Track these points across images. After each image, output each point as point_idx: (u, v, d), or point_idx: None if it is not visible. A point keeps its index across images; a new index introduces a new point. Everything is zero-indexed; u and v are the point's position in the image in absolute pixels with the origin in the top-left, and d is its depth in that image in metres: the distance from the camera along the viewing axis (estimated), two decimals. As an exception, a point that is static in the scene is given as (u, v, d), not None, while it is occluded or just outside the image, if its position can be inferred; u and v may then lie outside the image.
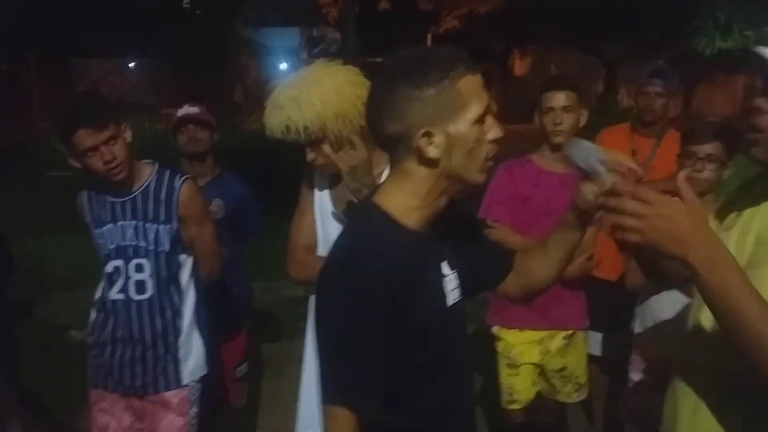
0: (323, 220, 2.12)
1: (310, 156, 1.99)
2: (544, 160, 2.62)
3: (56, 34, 17.16)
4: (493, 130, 1.23)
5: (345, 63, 2.07)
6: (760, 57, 1.16)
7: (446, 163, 1.20)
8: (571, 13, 17.31)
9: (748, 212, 1.28)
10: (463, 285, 1.38)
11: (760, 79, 1.19)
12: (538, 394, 2.72)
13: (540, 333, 2.63)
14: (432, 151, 1.18)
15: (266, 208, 3.20)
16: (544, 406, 2.78)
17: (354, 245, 1.25)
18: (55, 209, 5.43)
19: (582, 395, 2.76)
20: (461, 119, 1.18)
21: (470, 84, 1.19)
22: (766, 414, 1.16)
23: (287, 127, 1.90)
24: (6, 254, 2.86)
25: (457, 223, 1.42)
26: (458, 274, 1.37)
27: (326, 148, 1.95)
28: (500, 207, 2.62)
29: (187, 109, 2.97)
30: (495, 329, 2.75)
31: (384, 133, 1.21)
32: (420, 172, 1.22)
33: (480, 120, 1.20)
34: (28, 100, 21.26)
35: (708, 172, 2.25)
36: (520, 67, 23.20)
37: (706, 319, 1.23)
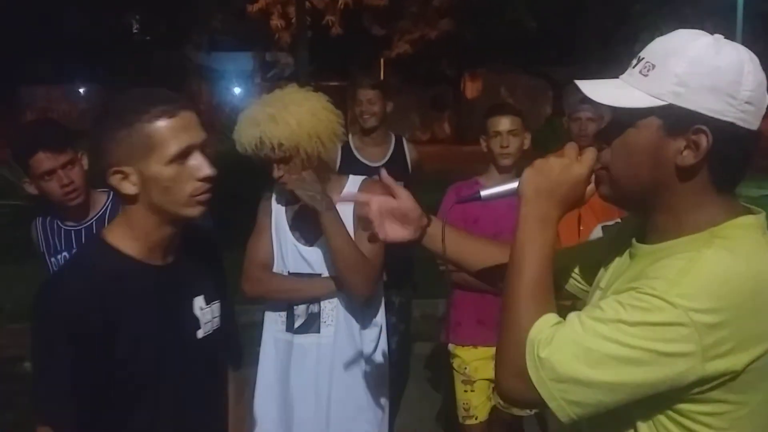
0: (279, 239, 2.18)
1: (278, 173, 2.05)
2: (491, 182, 2.71)
3: (3, 61, 16.80)
4: (202, 169, 1.29)
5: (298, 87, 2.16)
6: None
7: (146, 199, 1.28)
8: (517, 37, 17.78)
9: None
10: (224, 319, 1.48)
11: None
12: (494, 408, 2.78)
13: (493, 349, 2.69)
14: (127, 188, 1.27)
15: (219, 233, 3.21)
16: (500, 420, 2.84)
17: (63, 273, 1.34)
18: (2, 240, 5.31)
19: (536, 408, 2.83)
20: (154, 159, 1.25)
21: (164, 127, 1.25)
22: None
23: (261, 142, 1.97)
24: None
25: (213, 259, 1.53)
26: (220, 307, 1.47)
27: (295, 166, 2.02)
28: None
29: None
30: (450, 347, 2.81)
31: (94, 169, 1.29)
32: (128, 205, 1.31)
33: (177, 159, 1.26)
34: (-28, 127, 20.64)
35: None
36: (471, 90, 23.65)
37: None
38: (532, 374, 0.99)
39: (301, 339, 2.15)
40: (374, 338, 2.22)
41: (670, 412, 1.00)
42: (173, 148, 1.25)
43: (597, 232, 2.52)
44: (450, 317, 2.87)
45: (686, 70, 1.00)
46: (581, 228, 2.68)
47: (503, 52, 19.29)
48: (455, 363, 2.78)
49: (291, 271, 2.17)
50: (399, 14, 17.80)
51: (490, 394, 2.76)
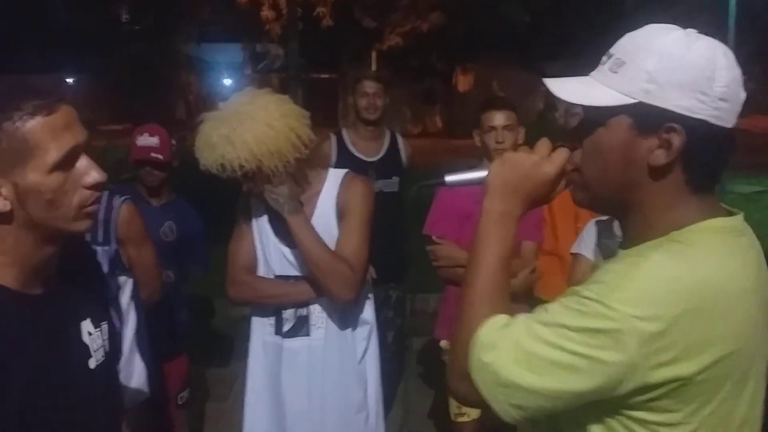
0: (262, 241, 2.12)
1: (246, 187, 1.98)
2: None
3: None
4: (90, 174, 1.07)
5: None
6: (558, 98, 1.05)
7: (23, 215, 1.05)
8: (509, 31, 17.77)
9: None
10: (113, 339, 1.29)
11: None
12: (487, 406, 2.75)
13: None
14: None
15: (208, 225, 3.16)
16: (493, 418, 2.81)
17: None
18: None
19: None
20: (32, 167, 1.02)
21: (42, 127, 1.02)
22: None
23: (222, 165, 1.86)
24: None
25: (93, 272, 1.33)
26: (108, 327, 1.27)
27: (262, 180, 1.92)
28: (444, 223, 2.65)
29: (146, 140, 2.73)
30: (443, 343, 2.77)
31: None
32: None
33: (61, 167, 1.04)
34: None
35: None
36: (463, 83, 23.61)
37: None
38: (475, 377, 0.98)
39: (290, 343, 2.09)
40: (365, 336, 2.18)
41: (625, 420, 0.96)
42: (56, 152, 1.02)
43: (590, 227, 2.50)
44: (443, 313, 2.83)
45: (656, 66, 0.96)
46: (578, 225, 2.64)
47: (495, 45, 19.26)
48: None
49: (277, 274, 2.11)
50: (390, 6, 17.72)
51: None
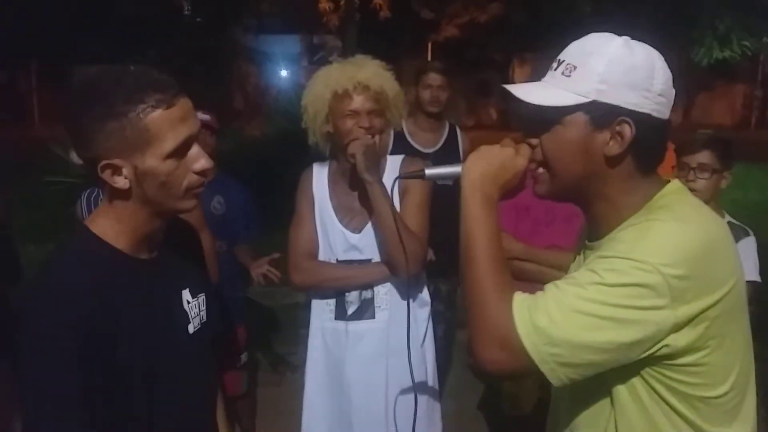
0: (325, 226, 2.12)
1: (368, 123, 2.00)
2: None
3: (56, 41, 17.17)
4: (200, 162, 1.21)
5: None
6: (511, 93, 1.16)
7: (139, 193, 1.19)
8: (568, 22, 17.39)
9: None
10: (210, 311, 1.40)
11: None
12: (540, 400, 2.71)
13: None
14: (119, 182, 1.17)
15: (263, 215, 3.20)
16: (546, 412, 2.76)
17: (52, 268, 1.19)
18: (55, 216, 5.43)
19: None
20: (150, 154, 1.15)
21: (162, 119, 1.14)
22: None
23: (360, 85, 1.98)
24: (16, 264, 2.80)
25: (194, 251, 1.46)
26: (205, 300, 1.40)
27: (384, 120, 2.05)
28: (501, 215, 2.60)
29: (200, 116, 2.95)
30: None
31: (81, 156, 1.19)
32: (117, 198, 1.21)
33: (175, 155, 1.17)
34: (27, 106, 21.29)
35: (701, 182, 2.26)
36: (519, 75, 23.25)
37: None
38: (526, 341, 1.04)
39: (355, 326, 2.09)
40: (426, 318, 2.17)
41: (651, 371, 1.08)
42: (172, 142, 1.16)
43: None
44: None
45: (607, 68, 1.10)
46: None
47: (555, 35, 18.90)
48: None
49: (339, 259, 2.10)
50: (449, -3, 17.59)
51: (538, 385, 2.69)
